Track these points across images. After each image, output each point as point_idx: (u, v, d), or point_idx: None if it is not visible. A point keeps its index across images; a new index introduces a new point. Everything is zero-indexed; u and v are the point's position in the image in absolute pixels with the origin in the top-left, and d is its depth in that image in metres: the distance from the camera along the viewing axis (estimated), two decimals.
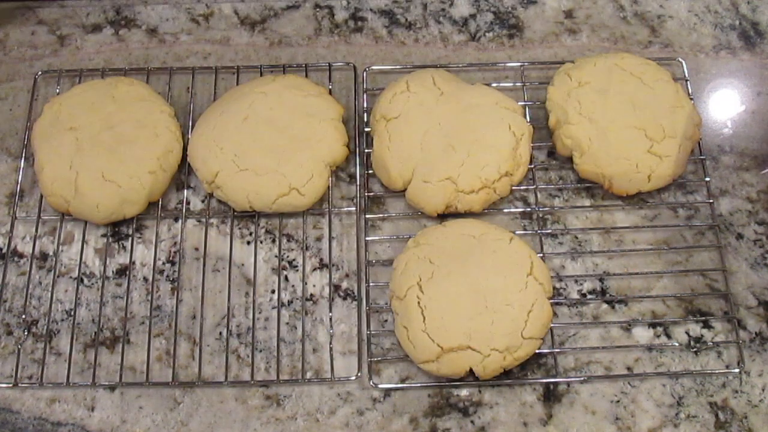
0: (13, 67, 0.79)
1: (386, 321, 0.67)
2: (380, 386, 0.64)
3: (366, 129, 0.73)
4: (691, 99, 0.74)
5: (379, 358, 0.65)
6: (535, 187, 0.71)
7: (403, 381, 0.64)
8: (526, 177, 0.71)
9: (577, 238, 0.70)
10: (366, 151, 0.73)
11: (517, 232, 0.68)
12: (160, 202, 0.71)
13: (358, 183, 0.72)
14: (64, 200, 0.68)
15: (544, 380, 0.64)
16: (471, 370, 0.62)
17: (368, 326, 0.66)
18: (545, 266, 0.66)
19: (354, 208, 0.71)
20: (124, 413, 0.63)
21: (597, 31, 0.80)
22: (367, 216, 0.70)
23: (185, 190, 0.72)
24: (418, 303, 0.63)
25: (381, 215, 0.71)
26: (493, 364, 0.62)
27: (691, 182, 0.72)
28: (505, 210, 0.71)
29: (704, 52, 0.79)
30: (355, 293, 0.68)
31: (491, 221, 0.70)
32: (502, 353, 0.62)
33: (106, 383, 0.64)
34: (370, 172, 0.72)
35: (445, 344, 0.62)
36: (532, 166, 0.72)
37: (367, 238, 0.69)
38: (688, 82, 0.75)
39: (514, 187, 0.70)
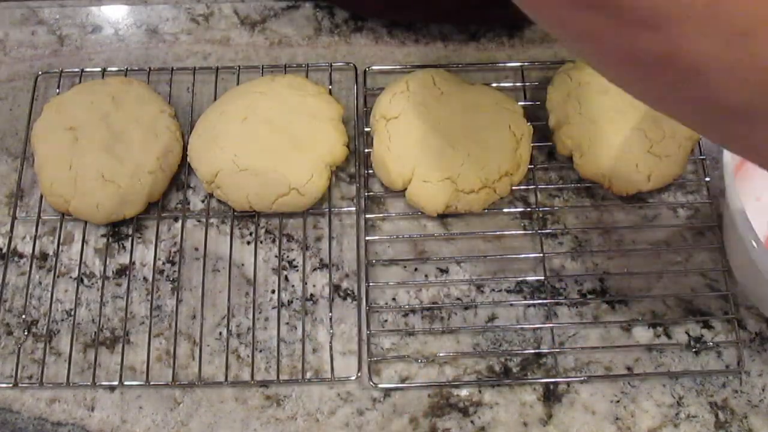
0: (13, 67, 0.79)
1: (386, 321, 0.67)
2: (380, 386, 0.64)
3: (366, 129, 0.73)
4: None
5: (379, 358, 0.65)
6: (534, 187, 0.71)
7: (403, 381, 0.64)
8: (526, 177, 0.71)
9: (577, 238, 0.70)
10: (366, 150, 0.73)
11: (517, 232, 0.69)
12: (160, 202, 0.71)
13: (358, 183, 0.72)
14: (64, 200, 0.68)
15: (544, 380, 0.64)
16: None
17: (368, 326, 0.66)
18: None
19: (354, 208, 0.71)
20: (124, 413, 0.63)
21: None
22: (366, 216, 0.70)
23: (185, 190, 0.72)
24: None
25: (381, 215, 0.71)
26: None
27: (691, 182, 0.72)
28: (505, 210, 0.71)
29: None
30: (356, 293, 0.68)
31: (491, 221, 0.70)
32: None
33: (106, 383, 0.64)
34: (370, 171, 0.72)
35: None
36: (532, 166, 0.72)
37: (366, 238, 0.69)
38: None
39: (514, 187, 0.70)
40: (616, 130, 0.69)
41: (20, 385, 0.64)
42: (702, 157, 0.72)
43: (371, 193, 0.71)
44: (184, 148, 0.72)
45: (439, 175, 0.68)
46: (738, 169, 0.67)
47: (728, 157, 0.59)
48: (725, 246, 0.68)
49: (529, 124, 0.72)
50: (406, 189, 0.69)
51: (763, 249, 0.56)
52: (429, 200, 0.68)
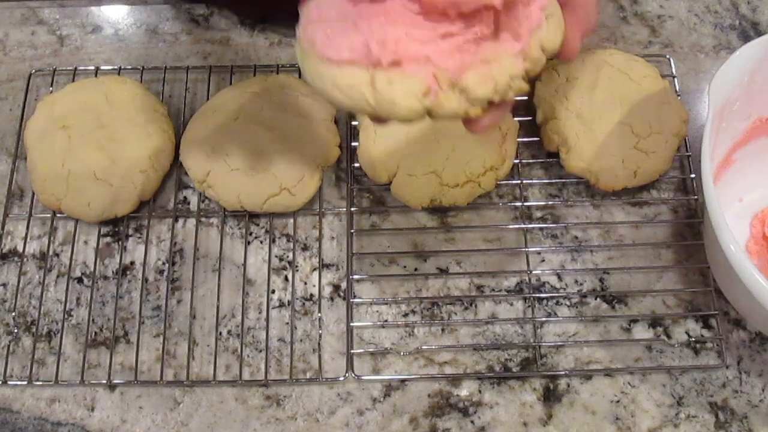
0: (13, 67, 0.79)
1: (376, 313, 0.67)
2: (363, 378, 0.64)
3: (354, 122, 0.73)
4: (678, 96, 0.74)
5: (361, 350, 0.65)
6: (520, 182, 0.71)
7: (400, 381, 0.64)
8: (513, 172, 0.71)
9: (576, 237, 0.70)
10: (353, 144, 0.72)
11: (510, 226, 0.69)
12: (151, 201, 0.71)
13: (349, 177, 0.72)
14: (56, 198, 0.68)
15: (545, 380, 0.64)
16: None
17: (351, 318, 0.66)
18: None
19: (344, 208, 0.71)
20: (124, 413, 0.63)
21: (597, 31, 0.80)
22: (352, 209, 0.70)
23: (184, 190, 0.72)
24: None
25: (368, 208, 0.71)
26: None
27: (693, 181, 0.72)
28: (497, 205, 0.71)
29: (704, 52, 0.79)
30: (355, 293, 0.68)
31: (479, 215, 0.70)
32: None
33: (106, 383, 0.64)
34: (356, 165, 0.72)
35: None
36: (518, 161, 0.72)
37: (352, 230, 0.69)
38: (676, 79, 0.75)
39: (501, 182, 0.70)
40: (602, 126, 0.69)
41: (19, 384, 0.64)
42: (689, 153, 0.72)
43: (359, 186, 0.71)
44: (177, 147, 0.72)
45: (423, 169, 0.68)
46: (719, 172, 0.67)
47: (707, 163, 0.57)
48: (706, 251, 0.68)
49: (515, 119, 0.71)
50: (391, 182, 0.69)
51: (743, 255, 0.53)
52: (413, 194, 0.68)
